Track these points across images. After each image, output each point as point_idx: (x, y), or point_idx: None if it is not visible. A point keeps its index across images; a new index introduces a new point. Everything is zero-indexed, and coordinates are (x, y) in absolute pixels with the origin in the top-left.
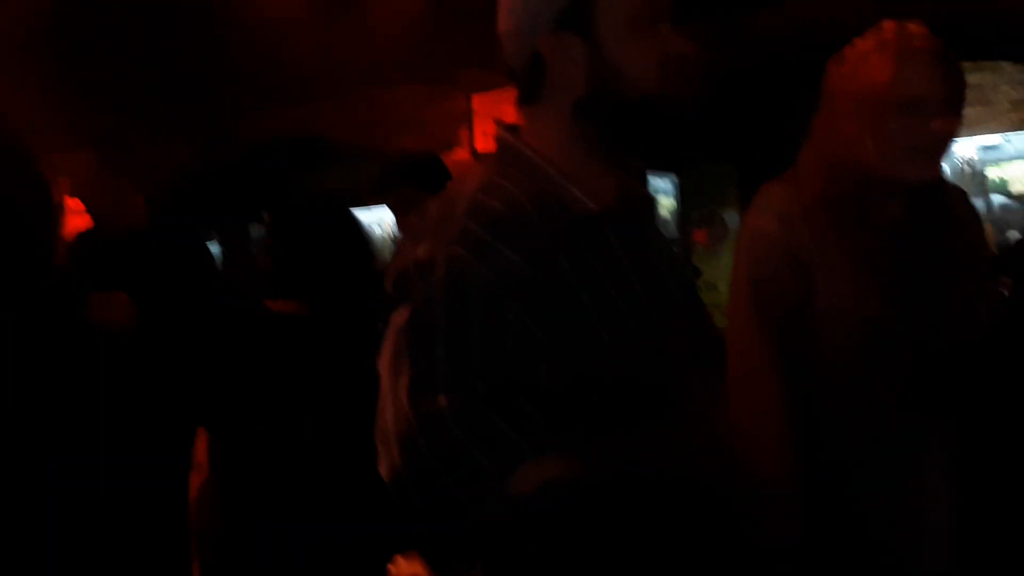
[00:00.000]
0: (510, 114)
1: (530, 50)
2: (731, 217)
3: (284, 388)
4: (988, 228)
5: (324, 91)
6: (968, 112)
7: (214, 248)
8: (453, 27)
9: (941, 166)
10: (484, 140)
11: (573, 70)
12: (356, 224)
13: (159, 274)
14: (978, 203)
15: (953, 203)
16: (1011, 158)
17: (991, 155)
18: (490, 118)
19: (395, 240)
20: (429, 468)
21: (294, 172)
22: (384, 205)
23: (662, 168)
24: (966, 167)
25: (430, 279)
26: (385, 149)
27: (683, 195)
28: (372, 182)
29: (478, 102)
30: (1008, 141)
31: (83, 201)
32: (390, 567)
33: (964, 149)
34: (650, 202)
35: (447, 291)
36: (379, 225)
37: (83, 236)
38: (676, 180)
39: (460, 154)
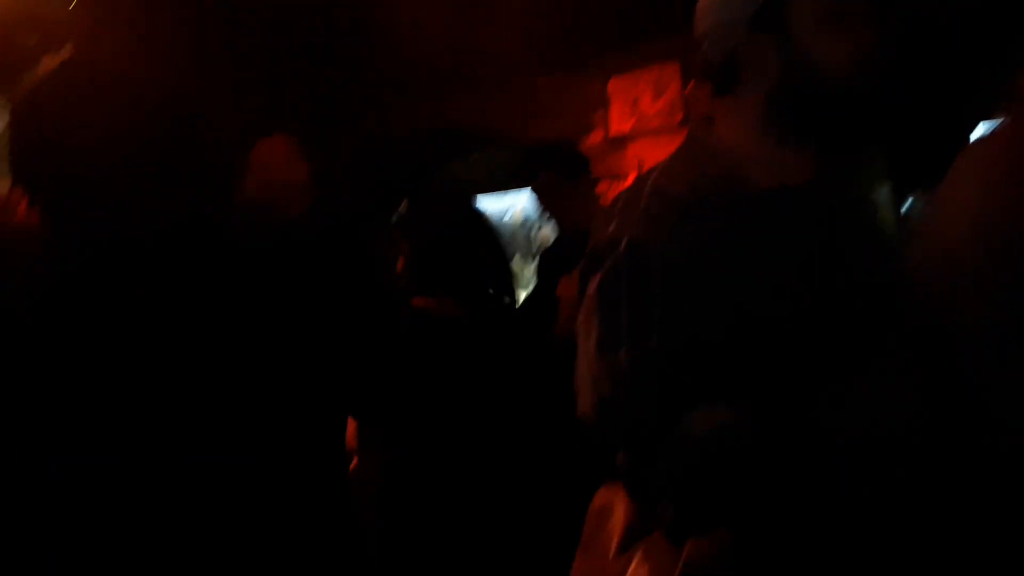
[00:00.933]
0: (647, 94)
1: (726, 49)
2: (882, 195)
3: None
4: None
5: (462, 83)
6: None
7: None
8: (587, 12)
9: None
10: (621, 123)
11: (767, 65)
12: (488, 221)
13: (325, 259)
14: None
15: None
16: None
17: None
18: (626, 102)
19: (526, 225)
20: (613, 411)
21: (434, 162)
22: (522, 191)
23: None
24: None
25: (616, 253)
26: (522, 137)
27: None
28: (508, 169)
29: (614, 85)
30: None
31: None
32: (597, 494)
33: None
34: (848, 183)
35: (629, 263)
36: (511, 211)
37: (252, 219)
38: None
39: (596, 138)
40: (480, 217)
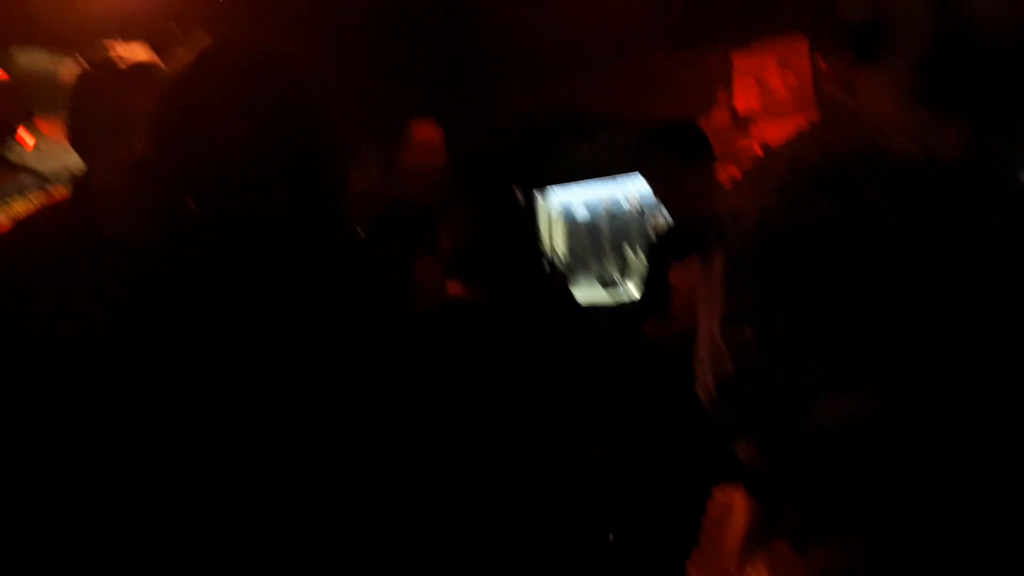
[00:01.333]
0: (773, 70)
1: (870, 9)
2: None
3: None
4: None
5: (576, 63)
6: None
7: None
8: None
9: None
10: (745, 100)
11: (919, 25)
12: (524, 213)
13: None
14: None
15: None
16: None
17: None
18: (751, 76)
19: (642, 212)
20: (735, 390)
21: (548, 146)
22: (638, 175)
23: None
24: None
25: (745, 222)
26: (640, 117)
27: None
28: (624, 152)
29: (738, 60)
30: None
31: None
32: (714, 491)
33: None
34: (1006, 163)
35: (759, 233)
36: (625, 198)
37: (393, 203)
38: None
39: (719, 116)
40: (513, 208)
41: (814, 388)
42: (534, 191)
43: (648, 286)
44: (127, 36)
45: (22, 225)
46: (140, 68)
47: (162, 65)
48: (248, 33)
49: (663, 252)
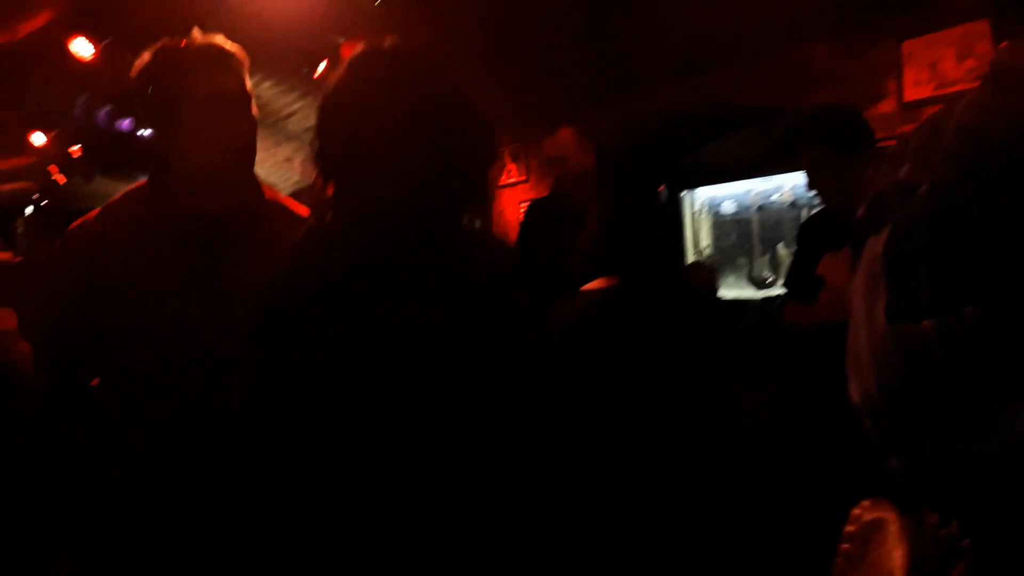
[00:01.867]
0: (948, 58)
1: None
2: None
3: None
4: None
5: (734, 54)
6: None
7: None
8: None
9: None
10: (916, 89)
11: None
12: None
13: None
14: None
15: None
16: None
17: None
18: (924, 65)
19: (795, 207)
20: (906, 392)
21: (706, 139)
22: (795, 169)
23: None
24: None
25: (913, 200)
26: (800, 108)
27: None
28: (779, 145)
29: (909, 48)
30: None
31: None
32: (855, 511)
33: None
34: None
35: (933, 211)
36: (779, 192)
37: (539, 204)
38: None
39: (886, 107)
40: (645, 206)
41: (1010, 392)
42: (680, 189)
43: (796, 278)
44: (290, 53)
45: (108, 208)
46: (210, 49)
47: (240, 53)
48: (403, 39)
49: (813, 242)
